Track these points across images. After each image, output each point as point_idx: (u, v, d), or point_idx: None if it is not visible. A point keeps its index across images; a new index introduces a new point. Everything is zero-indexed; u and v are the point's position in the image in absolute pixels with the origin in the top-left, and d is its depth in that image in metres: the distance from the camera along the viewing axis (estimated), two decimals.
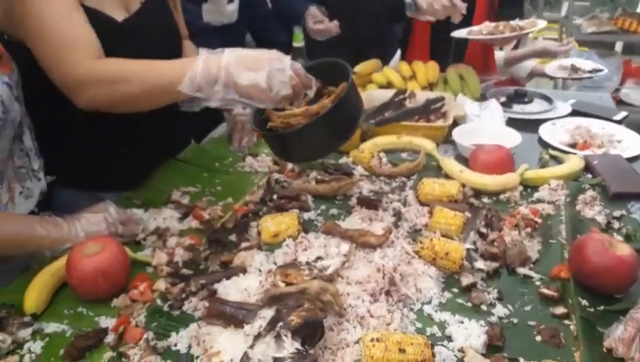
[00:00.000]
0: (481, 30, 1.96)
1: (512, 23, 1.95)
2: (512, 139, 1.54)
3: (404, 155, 1.60)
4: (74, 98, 1.13)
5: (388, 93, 1.84)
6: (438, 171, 1.47)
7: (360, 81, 2.05)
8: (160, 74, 1.10)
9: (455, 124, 1.67)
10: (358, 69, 2.03)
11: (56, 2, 1.12)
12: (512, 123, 1.72)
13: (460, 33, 1.97)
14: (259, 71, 1.07)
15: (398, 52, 2.61)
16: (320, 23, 2.14)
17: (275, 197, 1.32)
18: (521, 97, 1.99)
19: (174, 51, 1.40)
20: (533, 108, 1.93)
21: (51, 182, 1.27)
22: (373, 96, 1.85)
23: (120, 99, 1.11)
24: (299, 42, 1.94)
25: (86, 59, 1.11)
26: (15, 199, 1.14)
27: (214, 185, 1.44)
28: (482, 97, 1.96)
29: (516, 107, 1.92)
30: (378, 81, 2.01)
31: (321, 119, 1.11)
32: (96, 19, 1.19)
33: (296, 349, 0.79)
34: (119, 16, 1.27)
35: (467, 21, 2.09)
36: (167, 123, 1.42)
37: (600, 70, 2.19)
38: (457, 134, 1.59)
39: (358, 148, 1.56)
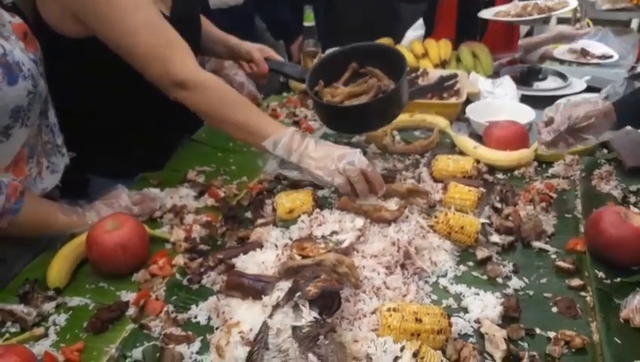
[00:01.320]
0: (509, 11, 1.93)
1: (540, 2, 1.92)
2: (526, 115, 1.53)
3: (417, 133, 1.59)
4: (173, 92, 1.19)
5: None
6: (452, 148, 1.47)
7: None
8: (254, 121, 1.20)
9: (468, 101, 1.66)
10: None
11: (142, 1, 1.19)
12: (526, 100, 1.71)
13: (487, 14, 1.94)
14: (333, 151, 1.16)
15: (410, 31, 2.59)
16: None
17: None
18: (535, 74, 1.97)
19: (198, 35, 1.47)
20: (547, 85, 1.92)
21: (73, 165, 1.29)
22: None
23: (211, 114, 1.21)
24: (310, 22, 1.94)
25: (192, 61, 1.19)
26: (42, 173, 1.17)
27: (229, 165, 1.45)
28: (495, 75, 1.94)
29: (529, 84, 1.90)
30: None
31: (383, 99, 1.27)
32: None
33: (314, 318, 0.80)
34: (165, 10, 1.31)
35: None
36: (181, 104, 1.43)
37: (610, 56, 2.16)
38: (471, 111, 1.58)
39: None
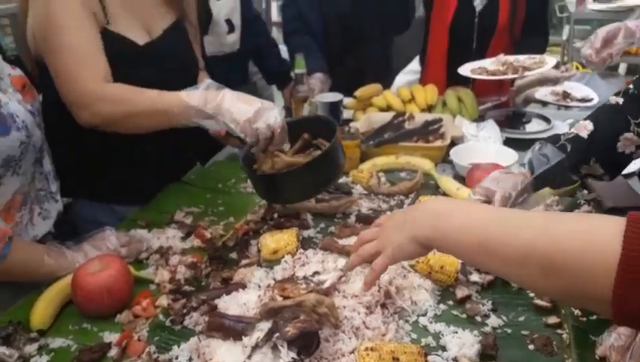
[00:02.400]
0: (486, 68, 1.99)
1: (519, 60, 1.97)
2: (509, 157, 1.57)
3: (402, 175, 1.63)
4: (77, 113, 1.23)
5: (387, 116, 1.88)
6: (436, 190, 1.50)
7: (360, 105, 2.10)
8: (160, 97, 1.22)
9: (453, 144, 1.70)
10: (359, 93, 2.08)
11: (74, 24, 1.22)
12: (509, 143, 1.75)
13: (464, 70, 2.00)
14: (251, 105, 1.21)
15: (400, 75, 2.67)
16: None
17: (275, 216, 1.36)
18: (519, 118, 2.03)
19: (190, 80, 1.46)
20: (531, 128, 1.97)
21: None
22: (372, 119, 1.90)
23: (120, 117, 1.22)
24: (301, 68, 1.99)
25: (94, 78, 1.21)
26: (34, 220, 1.19)
27: (217, 206, 1.48)
28: (481, 118, 2.00)
29: (514, 127, 1.95)
30: (378, 105, 2.06)
31: (307, 166, 1.24)
32: (119, 43, 1.31)
33: (292, 359, 0.81)
34: (141, 40, 1.36)
35: (484, 48, 2.13)
36: (173, 145, 1.47)
37: (590, 100, 2.22)
38: (455, 153, 1.62)
39: (357, 168, 1.60)
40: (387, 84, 2.44)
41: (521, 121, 2.01)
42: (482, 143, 1.71)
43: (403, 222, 0.83)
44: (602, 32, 1.62)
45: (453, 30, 2.15)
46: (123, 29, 1.33)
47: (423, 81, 2.31)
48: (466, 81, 2.11)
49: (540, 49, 2.19)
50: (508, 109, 2.13)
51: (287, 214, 1.35)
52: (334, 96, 2.02)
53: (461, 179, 1.53)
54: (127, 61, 1.29)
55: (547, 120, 2.00)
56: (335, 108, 1.99)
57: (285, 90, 2.40)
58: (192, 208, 1.45)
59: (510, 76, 1.93)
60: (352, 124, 1.84)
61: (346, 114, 2.09)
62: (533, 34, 2.21)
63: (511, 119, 2.02)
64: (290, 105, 2.42)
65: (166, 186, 1.58)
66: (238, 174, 1.67)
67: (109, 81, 1.24)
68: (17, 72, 1.21)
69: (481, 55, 2.12)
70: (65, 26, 1.22)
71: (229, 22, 2.05)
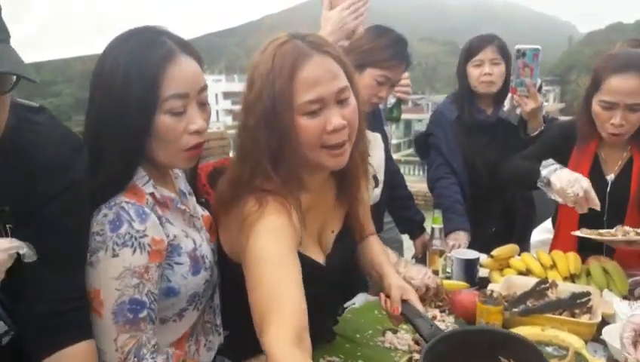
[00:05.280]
0: (602, 232, 1.92)
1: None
2: None
3: (549, 349, 1.55)
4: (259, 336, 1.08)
5: (528, 281, 1.85)
6: None
7: (497, 265, 2.09)
8: None
9: (602, 321, 1.62)
10: (495, 252, 2.08)
11: (274, 250, 1.14)
12: None
13: (578, 232, 1.96)
14: None
15: (535, 232, 2.66)
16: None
17: None
18: None
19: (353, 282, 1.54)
20: None
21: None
22: (512, 282, 1.87)
23: None
24: (438, 224, 2.07)
25: (284, 337, 1.01)
26: (200, 350, 1.29)
27: (356, 358, 1.50)
28: (630, 293, 1.89)
29: None
30: (517, 267, 2.03)
31: None
32: (305, 265, 1.19)
33: None
34: (319, 258, 1.38)
35: (618, 221, 2.02)
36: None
37: None
38: (608, 334, 1.53)
39: None
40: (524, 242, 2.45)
41: None
42: None
43: None
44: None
45: None
46: (309, 249, 1.33)
47: (553, 246, 2.25)
48: (597, 250, 2.04)
49: None
50: None
51: None
52: (471, 254, 2.04)
53: None
54: (310, 280, 1.15)
55: None
56: (472, 265, 2.00)
57: (417, 240, 2.47)
58: (334, 357, 1.49)
59: (620, 238, 1.84)
60: (491, 286, 1.83)
61: (482, 272, 2.08)
62: None
63: None
64: (420, 255, 2.48)
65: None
66: (375, 325, 1.70)
67: (301, 341, 1.03)
68: (206, 212, 1.39)
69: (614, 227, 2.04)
70: (266, 260, 1.13)
71: (375, 177, 2.21)
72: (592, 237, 1.89)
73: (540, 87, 2.45)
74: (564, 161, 2.10)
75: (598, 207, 1.87)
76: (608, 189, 2.08)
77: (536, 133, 2.44)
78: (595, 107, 1.96)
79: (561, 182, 1.89)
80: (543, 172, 1.97)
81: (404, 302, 1.44)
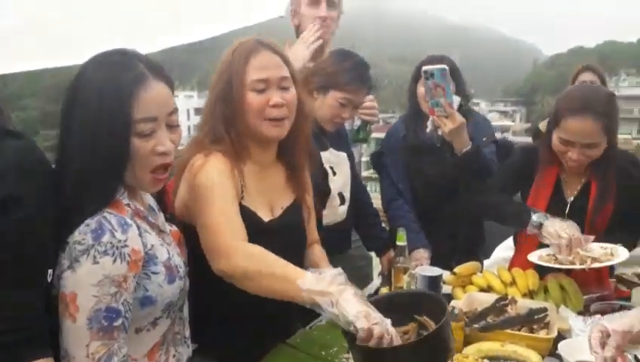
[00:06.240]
0: (556, 256, 2.00)
1: (591, 249, 1.98)
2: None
3: None
4: (216, 264, 1.39)
5: (489, 298, 1.90)
6: None
7: (459, 281, 2.14)
8: (289, 267, 1.34)
9: (559, 336, 1.67)
10: (458, 269, 2.14)
11: (220, 191, 1.46)
12: None
13: (533, 257, 2.05)
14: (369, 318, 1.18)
15: (499, 250, 2.72)
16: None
17: None
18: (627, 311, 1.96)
19: (300, 256, 1.68)
20: None
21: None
22: (474, 299, 1.92)
23: (253, 274, 1.35)
24: (402, 241, 2.11)
25: (236, 235, 1.40)
26: (169, 361, 1.30)
27: None
28: (586, 309, 1.96)
29: None
30: (478, 284, 2.09)
31: (419, 344, 1.20)
32: (248, 217, 1.51)
33: None
34: (266, 217, 1.58)
35: None
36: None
37: None
38: (564, 349, 1.58)
39: (461, 352, 1.60)
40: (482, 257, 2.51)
41: None
42: None
43: None
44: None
45: None
46: (253, 205, 1.56)
47: (513, 263, 2.31)
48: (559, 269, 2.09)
49: (630, 243, 2.14)
50: (614, 303, 2.07)
51: None
52: (434, 271, 2.07)
53: None
54: (252, 234, 1.45)
55: None
56: (435, 282, 2.03)
57: (383, 257, 2.51)
58: None
59: (577, 266, 1.92)
60: (453, 303, 1.88)
61: (445, 289, 2.13)
62: (623, 228, 2.15)
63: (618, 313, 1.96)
64: (387, 272, 2.51)
65: (272, 347, 1.65)
66: (340, 342, 1.71)
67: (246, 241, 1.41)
68: (174, 227, 1.42)
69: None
70: (213, 190, 1.45)
71: (340, 195, 2.25)
72: (548, 265, 1.98)
73: (461, 106, 2.35)
74: (529, 184, 2.22)
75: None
76: (567, 210, 2.18)
77: (466, 150, 2.28)
78: (555, 141, 2.05)
79: (554, 226, 2.01)
80: (534, 216, 2.07)
81: None
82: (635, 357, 1.49)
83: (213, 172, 1.48)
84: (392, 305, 1.36)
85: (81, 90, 1.18)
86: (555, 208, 2.14)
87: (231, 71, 1.52)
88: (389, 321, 1.21)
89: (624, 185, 2.08)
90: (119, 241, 1.13)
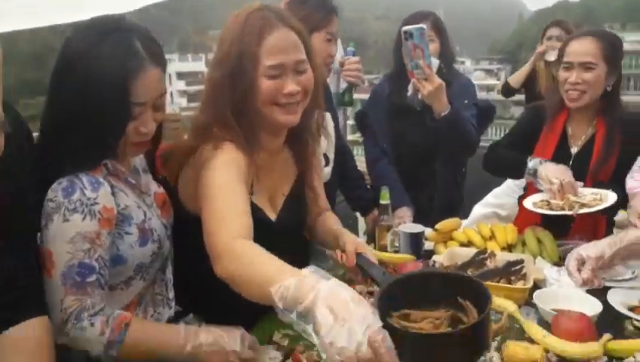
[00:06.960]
0: (549, 201, 2.05)
1: (583, 194, 2.02)
2: (593, 307, 1.60)
3: None
4: (214, 267, 1.20)
5: (469, 252, 1.97)
6: (521, 334, 1.53)
7: (440, 237, 2.21)
8: (266, 273, 1.09)
9: (534, 286, 1.75)
10: (439, 226, 2.20)
11: (228, 186, 1.31)
12: (593, 290, 1.77)
13: (528, 203, 2.10)
14: (337, 321, 0.92)
15: (478, 206, 2.80)
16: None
17: None
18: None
19: (304, 246, 1.71)
20: (615, 275, 1.97)
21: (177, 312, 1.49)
22: (454, 253, 1.99)
23: (238, 278, 1.16)
24: (385, 200, 2.17)
25: (228, 234, 1.20)
26: (147, 320, 1.36)
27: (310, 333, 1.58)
28: (561, 260, 2.04)
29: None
30: (459, 239, 2.16)
31: (470, 330, 1.03)
32: (257, 216, 1.34)
33: None
34: (272, 216, 1.53)
35: None
36: None
37: None
38: (538, 297, 1.66)
39: None
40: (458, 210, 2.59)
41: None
42: (566, 289, 1.75)
43: None
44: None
45: None
46: (260, 202, 1.50)
47: (518, 221, 2.35)
48: (565, 222, 2.16)
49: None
50: None
51: None
52: (416, 228, 2.14)
53: (545, 323, 1.56)
54: (260, 235, 1.26)
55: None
56: (417, 239, 2.10)
57: (368, 217, 2.57)
58: (288, 331, 1.56)
59: (567, 212, 1.97)
60: (435, 257, 1.95)
61: (427, 245, 2.19)
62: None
63: None
64: (371, 231, 2.58)
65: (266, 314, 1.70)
66: None
67: (245, 238, 1.21)
68: (161, 189, 1.45)
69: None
70: (220, 189, 1.30)
71: (325, 156, 2.28)
72: (539, 211, 2.04)
73: (441, 68, 2.37)
74: (536, 141, 2.27)
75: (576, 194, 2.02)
76: (571, 162, 2.23)
77: (444, 114, 2.29)
78: (560, 73, 2.15)
79: (547, 171, 2.07)
80: (530, 163, 2.14)
81: (359, 254, 1.54)
82: (632, 323, 1.58)
83: (222, 169, 1.34)
84: (419, 289, 1.18)
85: (76, 63, 1.18)
86: (560, 160, 2.20)
87: (241, 48, 1.36)
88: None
89: (629, 139, 2.13)
90: (89, 199, 1.17)
